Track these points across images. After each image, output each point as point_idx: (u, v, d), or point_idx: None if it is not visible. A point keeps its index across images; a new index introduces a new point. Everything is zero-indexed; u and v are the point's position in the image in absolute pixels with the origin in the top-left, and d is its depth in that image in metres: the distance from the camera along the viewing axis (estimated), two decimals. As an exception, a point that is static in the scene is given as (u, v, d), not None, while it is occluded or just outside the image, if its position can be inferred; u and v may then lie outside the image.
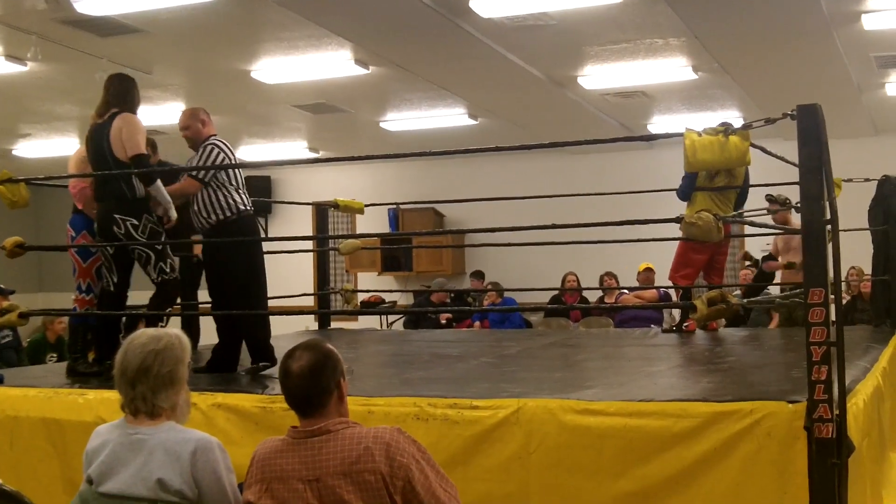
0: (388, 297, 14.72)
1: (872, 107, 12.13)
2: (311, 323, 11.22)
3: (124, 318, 6.13)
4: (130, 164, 5.81)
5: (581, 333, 9.85)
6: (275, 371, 5.48)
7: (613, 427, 4.16)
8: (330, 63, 9.61)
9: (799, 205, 4.14)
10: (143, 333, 3.31)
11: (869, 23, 8.45)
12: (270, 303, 6.68)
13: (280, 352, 4.03)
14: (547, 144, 5.23)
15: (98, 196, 6.01)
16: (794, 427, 3.89)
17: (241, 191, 6.11)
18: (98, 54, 9.01)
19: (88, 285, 6.32)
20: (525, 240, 7.94)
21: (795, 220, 9.38)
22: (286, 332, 8.08)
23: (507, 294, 13.40)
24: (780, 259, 9.96)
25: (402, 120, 12.73)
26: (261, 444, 3.26)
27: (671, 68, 10.03)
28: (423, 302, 13.79)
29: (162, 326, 5.86)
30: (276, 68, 9.83)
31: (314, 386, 3.14)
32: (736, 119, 12.21)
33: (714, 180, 7.86)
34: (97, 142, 5.94)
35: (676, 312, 12.47)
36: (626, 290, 12.48)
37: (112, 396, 4.29)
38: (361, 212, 9.04)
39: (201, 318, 7.81)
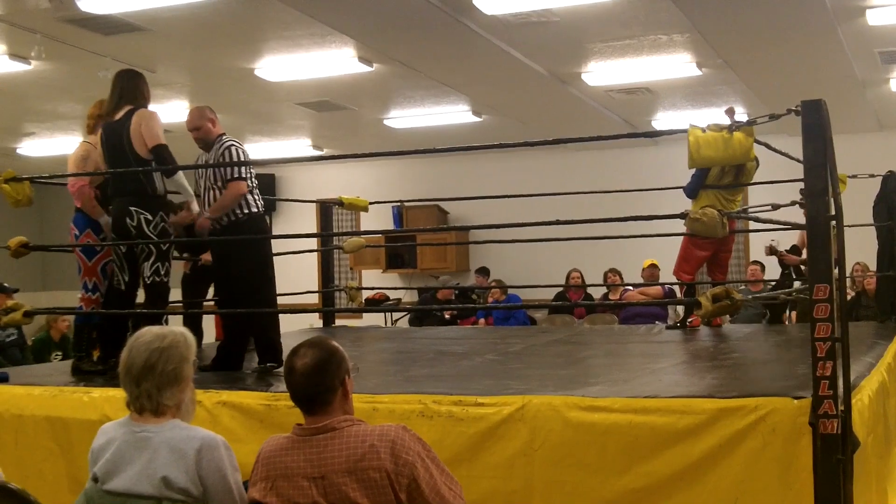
0: (392, 295, 14.73)
1: (877, 102, 12.11)
2: (315, 321, 11.23)
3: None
4: (151, 155, 5.80)
5: (585, 330, 9.84)
6: (280, 370, 5.49)
7: (618, 424, 4.15)
8: (333, 61, 9.61)
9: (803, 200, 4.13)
10: (149, 331, 3.31)
11: (873, 18, 8.44)
12: (274, 301, 6.69)
13: (285, 349, 4.03)
14: (551, 141, 5.23)
15: (116, 192, 5.98)
16: (799, 423, 3.88)
17: (254, 192, 6.12)
18: (102, 53, 9.02)
19: (94, 284, 6.32)
20: (529, 236, 7.94)
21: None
22: (290, 329, 8.08)
23: (511, 291, 13.41)
24: (804, 253, 9.92)
25: (406, 117, 12.73)
26: (266, 442, 3.26)
27: (675, 64, 10.02)
28: (428, 299, 13.80)
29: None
30: (279, 66, 9.83)
31: (319, 383, 3.14)
32: (740, 115, 12.21)
33: (721, 179, 7.86)
34: (114, 140, 5.91)
35: (681, 308, 12.49)
36: (630, 287, 12.48)
37: (117, 394, 4.30)
38: (366, 209, 9.04)
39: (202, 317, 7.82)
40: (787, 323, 11.03)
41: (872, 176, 8.08)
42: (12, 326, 10.33)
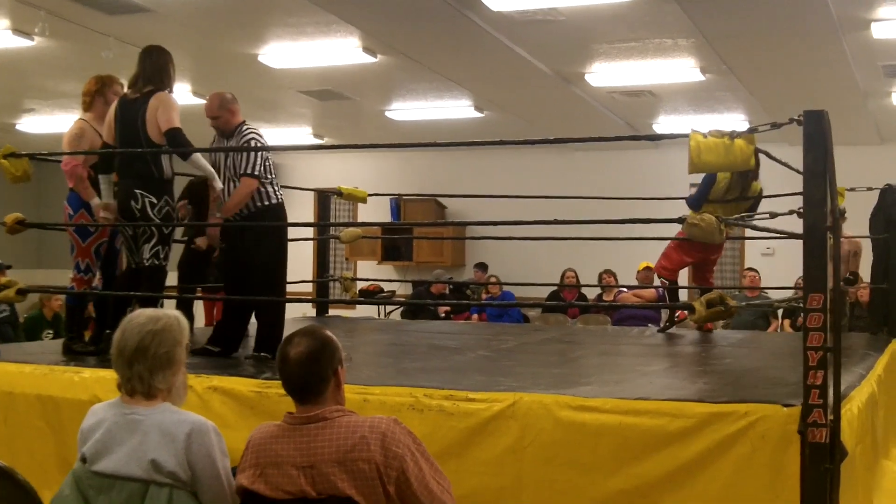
0: (387, 287, 14.73)
1: (878, 115, 12.13)
2: (308, 310, 11.22)
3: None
4: (165, 138, 5.73)
5: (578, 330, 9.85)
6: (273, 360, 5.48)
7: (608, 424, 4.16)
8: (337, 50, 9.60)
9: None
10: (142, 314, 3.31)
11: (878, 31, 8.45)
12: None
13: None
14: (552, 140, 5.23)
15: (122, 173, 5.91)
16: (788, 430, 3.89)
17: (272, 183, 6.08)
18: (105, 32, 9.00)
19: (87, 265, 6.29)
20: (526, 234, 7.94)
21: (846, 230, 9.38)
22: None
23: (505, 288, 13.42)
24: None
25: (408, 110, 12.72)
26: (256, 429, 3.26)
27: (679, 69, 10.02)
28: (423, 293, 13.80)
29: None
30: (283, 53, 9.82)
31: (312, 373, 3.14)
32: (741, 122, 12.23)
33: (727, 194, 7.82)
34: (129, 118, 5.81)
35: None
36: (624, 289, 12.49)
37: (108, 375, 4.29)
38: (364, 200, 9.03)
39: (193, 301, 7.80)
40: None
41: (871, 189, 8.09)
42: (5, 303, 10.34)
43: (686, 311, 7.81)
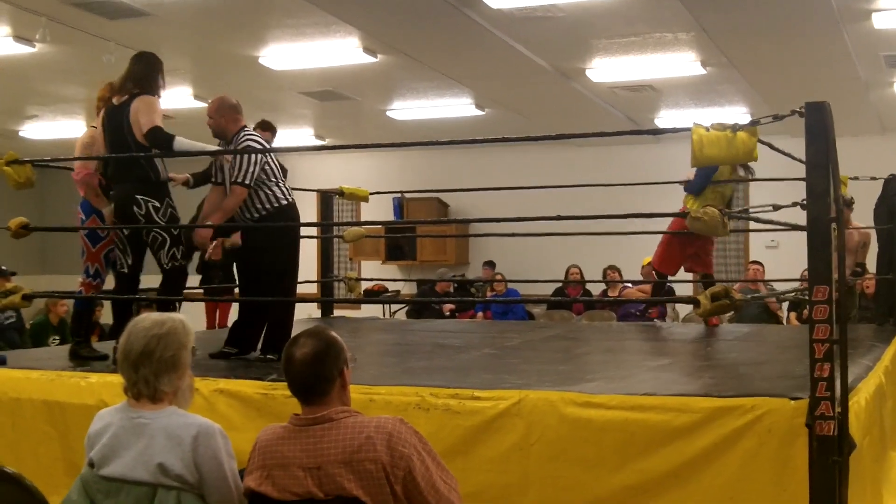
0: (391, 286, 14.73)
1: (880, 105, 12.11)
2: (313, 310, 11.23)
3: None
4: (147, 137, 5.72)
5: (583, 326, 9.86)
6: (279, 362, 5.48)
7: (614, 420, 4.16)
8: (338, 50, 9.60)
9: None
10: (147, 317, 3.31)
11: (879, 21, 8.44)
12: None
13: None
14: (554, 136, 5.22)
15: (118, 178, 5.91)
16: (796, 424, 3.88)
17: (280, 184, 6.06)
18: (106, 37, 9.00)
19: (96, 270, 6.29)
20: (529, 230, 7.94)
21: (855, 220, 9.38)
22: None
23: (510, 285, 13.42)
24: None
25: (409, 109, 12.73)
26: (263, 431, 3.26)
27: (679, 63, 10.01)
28: (427, 291, 13.80)
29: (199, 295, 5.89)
30: (283, 54, 9.82)
31: (317, 373, 3.14)
32: (743, 115, 12.21)
33: (732, 175, 7.87)
34: (115, 123, 5.84)
35: (681, 307, 12.50)
36: (629, 284, 12.48)
37: (114, 380, 4.29)
38: (366, 200, 9.02)
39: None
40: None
41: (874, 179, 8.07)
42: (11, 309, 10.35)
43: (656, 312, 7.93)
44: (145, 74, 5.93)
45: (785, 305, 11.87)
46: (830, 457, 3.77)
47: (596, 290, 13.41)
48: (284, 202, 6.06)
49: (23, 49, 9.40)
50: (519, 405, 4.31)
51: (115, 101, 5.91)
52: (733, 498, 3.97)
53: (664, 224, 8.26)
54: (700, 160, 4.40)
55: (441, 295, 13.50)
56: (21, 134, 14.66)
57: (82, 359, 6.08)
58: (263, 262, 6.04)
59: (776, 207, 5.10)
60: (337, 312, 10.64)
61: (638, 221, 4.92)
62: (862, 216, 7.98)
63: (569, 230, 8.92)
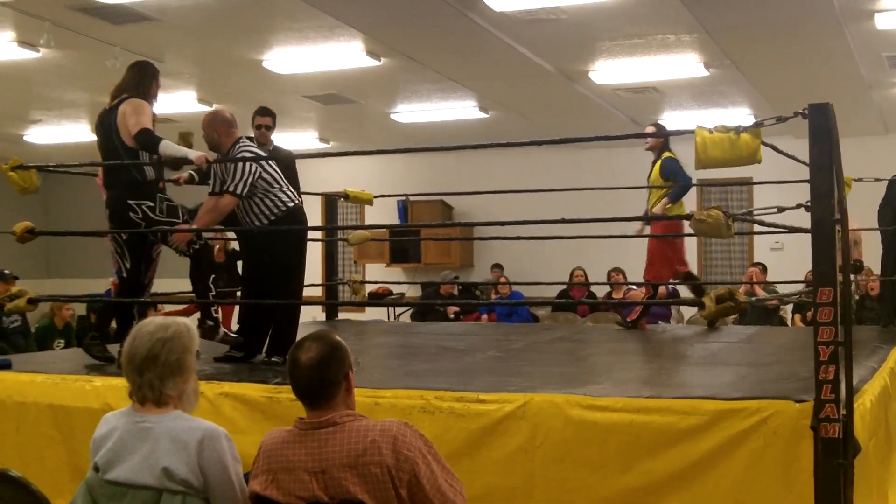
0: (395, 289, 14.73)
1: (883, 105, 12.10)
2: (318, 313, 11.23)
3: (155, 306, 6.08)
4: (136, 141, 5.75)
5: (588, 328, 9.85)
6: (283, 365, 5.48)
7: (619, 423, 4.16)
8: (341, 54, 9.61)
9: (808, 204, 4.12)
10: (152, 321, 3.32)
11: (881, 22, 8.43)
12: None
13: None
14: (558, 140, 5.23)
15: (108, 183, 5.95)
16: (801, 426, 3.88)
17: (284, 189, 6.06)
18: (110, 42, 9.03)
19: None
20: (533, 233, 7.94)
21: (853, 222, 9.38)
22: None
23: (514, 288, 13.41)
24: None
25: (413, 112, 12.73)
26: (268, 435, 3.26)
27: (682, 64, 10.01)
28: (432, 294, 13.80)
29: (213, 295, 5.90)
30: (287, 58, 9.84)
31: (322, 377, 3.14)
32: (746, 116, 12.21)
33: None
34: (105, 128, 5.92)
35: (685, 309, 12.50)
36: (633, 286, 12.47)
37: (119, 383, 4.31)
38: (370, 203, 9.04)
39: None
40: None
41: (878, 179, 8.07)
42: (16, 313, 10.38)
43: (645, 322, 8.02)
44: (138, 81, 5.98)
45: (789, 307, 11.86)
46: (835, 459, 3.78)
47: (600, 291, 13.40)
48: (291, 205, 6.06)
49: (27, 54, 9.43)
50: (524, 408, 4.32)
51: (106, 106, 5.97)
52: (738, 500, 3.97)
53: (669, 226, 8.25)
54: (704, 162, 4.40)
55: (445, 297, 13.50)
56: (26, 138, 14.67)
57: (92, 356, 6.09)
58: (270, 266, 6.05)
59: (780, 209, 5.10)
60: (341, 315, 10.64)
61: (641, 223, 4.93)
62: (866, 217, 7.97)
63: (573, 233, 8.92)
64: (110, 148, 5.87)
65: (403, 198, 14.26)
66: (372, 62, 9.83)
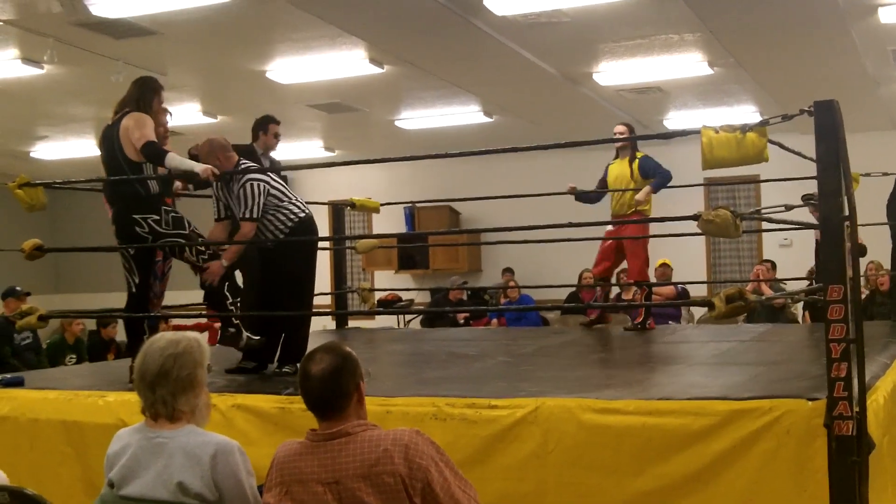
0: (404, 296, 14.73)
1: (889, 100, 12.07)
2: (328, 322, 11.24)
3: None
4: (142, 154, 5.75)
5: (598, 331, 9.82)
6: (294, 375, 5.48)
7: (632, 426, 4.15)
8: (344, 62, 9.62)
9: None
10: (162, 337, 3.32)
11: (886, 16, 8.41)
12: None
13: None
14: (563, 144, 5.24)
15: (112, 198, 5.96)
16: (814, 425, 3.87)
17: (294, 200, 6.08)
18: (113, 56, 9.05)
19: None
20: (541, 236, 7.94)
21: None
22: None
23: (523, 291, 13.40)
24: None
25: (417, 118, 12.74)
26: (280, 447, 3.26)
27: (686, 64, 10.00)
28: (441, 300, 13.79)
29: (231, 305, 5.89)
30: (290, 68, 9.85)
31: (334, 389, 3.14)
32: (752, 114, 12.19)
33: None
34: (108, 143, 5.92)
35: (697, 310, 12.47)
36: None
37: (132, 399, 4.31)
38: (377, 211, 9.04)
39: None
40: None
41: (886, 174, 8.04)
42: (27, 330, 10.39)
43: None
44: (139, 96, 6.00)
45: (800, 304, 11.82)
46: (849, 457, 3.77)
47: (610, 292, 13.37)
48: (302, 215, 6.08)
49: (32, 71, 9.46)
50: (535, 413, 4.31)
51: (109, 121, 5.99)
52: (752, 501, 3.96)
53: (675, 227, 8.23)
54: (710, 162, 4.39)
55: (454, 303, 13.49)
56: (32, 154, 14.71)
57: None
58: (282, 276, 6.05)
59: (788, 207, 5.09)
60: (351, 323, 10.64)
61: (650, 224, 4.92)
62: (874, 212, 7.95)
63: (581, 235, 8.90)
64: (113, 163, 5.88)
65: (410, 204, 14.28)
66: (375, 70, 9.84)
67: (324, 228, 14.48)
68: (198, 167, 5.77)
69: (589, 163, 14.63)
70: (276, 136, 7.67)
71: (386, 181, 15.41)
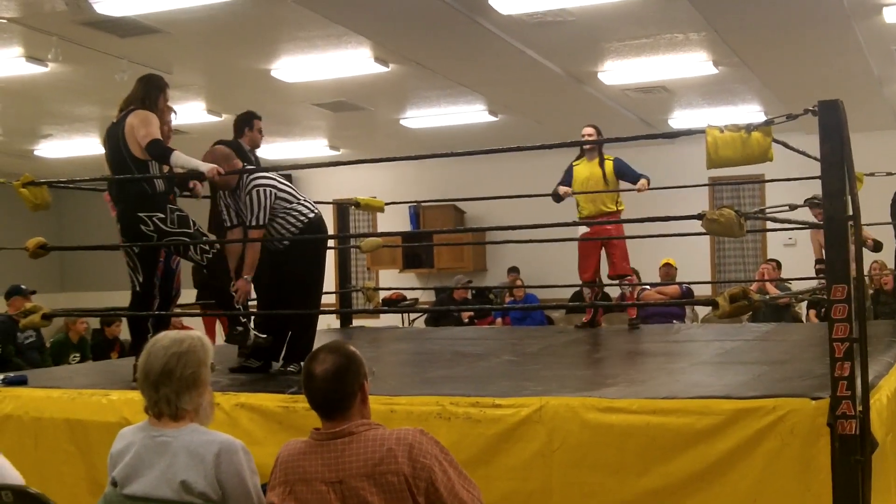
0: (409, 295, 14.73)
1: (894, 100, 12.05)
2: (332, 321, 11.24)
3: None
4: (147, 152, 5.75)
5: (602, 330, 9.83)
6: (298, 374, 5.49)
7: (636, 425, 4.15)
8: (349, 61, 9.62)
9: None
10: (166, 336, 3.33)
11: (890, 15, 8.40)
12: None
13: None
14: (569, 143, 5.24)
15: (117, 197, 5.96)
16: (818, 424, 3.87)
17: (302, 201, 6.10)
18: (118, 55, 9.06)
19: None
20: (546, 236, 7.94)
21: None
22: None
23: (528, 290, 13.40)
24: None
25: (423, 117, 12.73)
26: (284, 446, 3.26)
27: (691, 63, 9.99)
28: (445, 299, 13.79)
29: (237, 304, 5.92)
30: (295, 67, 9.85)
31: (338, 389, 3.14)
32: (756, 113, 12.18)
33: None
34: (113, 142, 5.92)
35: (701, 309, 12.45)
36: (647, 286, 12.45)
37: (135, 397, 4.31)
38: (382, 210, 9.04)
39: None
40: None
41: (890, 174, 8.03)
42: (31, 328, 10.40)
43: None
44: (145, 94, 5.98)
45: (804, 303, 11.81)
46: (853, 456, 3.76)
47: (613, 292, 13.36)
48: (312, 216, 6.08)
49: (36, 69, 9.47)
50: (540, 412, 4.31)
51: (114, 119, 5.98)
52: (757, 500, 3.96)
53: (680, 226, 8.22)
54: (715, 162, 4.39)
55: (459, 302, 13.50)
56: (37, 153, 14.73)
57: None
58: (290, 276, 6.06)
59: (792, 207, 5.09)
60: (356, 322, 10.65)
61: (654, 223, 4.91)
62: (878, 212, 7.94)
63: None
64: (118, 161, 5.87)
65: (415, 204, 14.28)
66: (380, 69, 9.84)
67: (328, 227, 14.55)
68: (203, 166, 5.77)
69: (594, 162, 14.70)
70: (261, 132, 7.66)
71: (391, 180, 15.41)
